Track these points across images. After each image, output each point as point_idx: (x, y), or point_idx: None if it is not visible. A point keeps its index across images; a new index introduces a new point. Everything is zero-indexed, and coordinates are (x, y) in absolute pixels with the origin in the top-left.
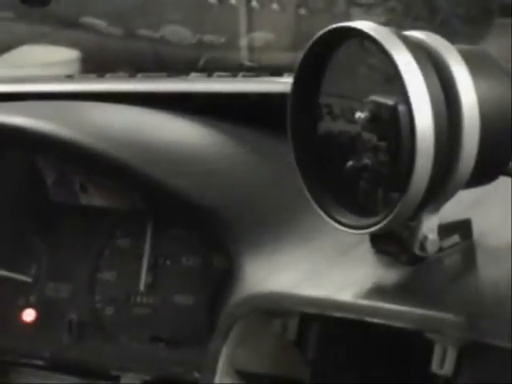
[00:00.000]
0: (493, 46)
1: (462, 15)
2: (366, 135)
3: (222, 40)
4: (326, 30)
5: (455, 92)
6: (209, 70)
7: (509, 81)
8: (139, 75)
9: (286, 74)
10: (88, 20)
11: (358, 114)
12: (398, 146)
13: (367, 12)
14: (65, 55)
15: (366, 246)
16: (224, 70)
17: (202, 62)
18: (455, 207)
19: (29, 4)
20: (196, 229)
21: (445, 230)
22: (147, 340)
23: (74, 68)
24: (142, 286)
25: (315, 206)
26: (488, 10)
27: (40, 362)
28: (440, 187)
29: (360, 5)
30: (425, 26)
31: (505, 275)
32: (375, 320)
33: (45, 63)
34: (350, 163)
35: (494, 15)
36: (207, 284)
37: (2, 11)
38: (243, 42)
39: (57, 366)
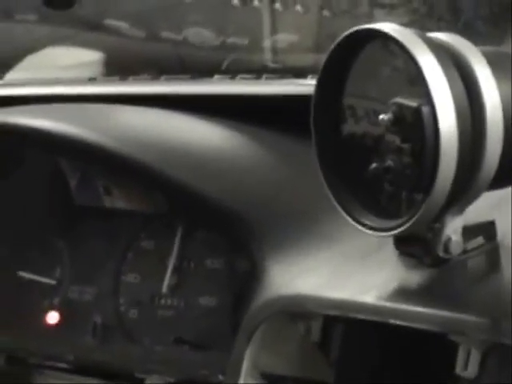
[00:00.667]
0: None
1: (485, 16)
2: (390, 137)
3: (246, 42)
4: (349, 31)
5: (478, 94)
6: (232, 72)
7: None
8: (162, 77)
9: (309, 76)
10: (111, 22)
11: (382, 116)
12: (421, 148)
13: (390, 13)
14: (88, 57)
15: (390, 248)
16: (247, 72)
17: (225, 64)
18: (479, 209)
19: (52, 7)
20: (220, 231)
21: (469, 231)
22: (171, 342)
23: (98, 70)
24: (165, 288)
25: (339, 209)
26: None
27: (64, 365)
28: (464, 189)
29: (383, 6)
30: (448, 27)
31: None
32: (399, 322)
33: (68, 65)
34: (374, 165)
35: None
36: (231, 286)
37: (25, 14)
38: (267, 43)
39: (81, 368)
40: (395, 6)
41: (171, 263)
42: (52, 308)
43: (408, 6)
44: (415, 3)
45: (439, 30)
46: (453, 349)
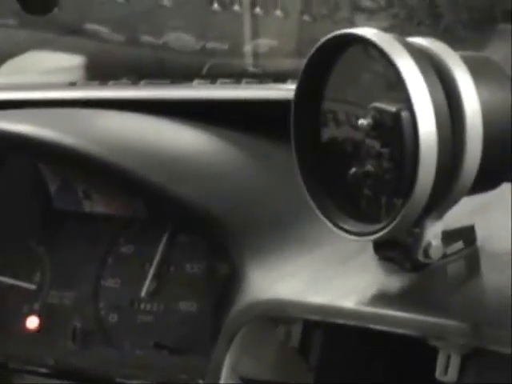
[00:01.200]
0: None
1: (465, 21)
2: (369, 142)
3: (226, 46)
4: (329, 36)
5: (458, 98)
6: (212, 77)
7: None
8: (142, 82)
9: (289, 81)
10: (91, 27)
11: (361, 121)
12: (401, 153)
13: (370, 18)
14: (68, 62)
15: (370, 253)
16: (228, 76)
17: (205, 69)
18: (459, 213)
19: (30, 12)
20: (200, 236)
21: (448, 236)
22: (151, 347)
23: (78, 75)
24: (145, 293)
25: (318, 213)
26: (491, 16)
27: (44, 370)
28: (443, 194)
29: (363, 11)
30: (428, 32)
31: (508, 282)
32: (378, 327)
33: (48, 70)
34: (353, 170)
35: (497, 21)
36: (211, 291)
37: (5, 18)
38: (247, 48)
39: (61, 373)
40: (375, 10)
41: (151, 268)
42: (32, 313)
43: (388, 11)
44: (395, 8)
45: (419, 34)
46: (433, 353)
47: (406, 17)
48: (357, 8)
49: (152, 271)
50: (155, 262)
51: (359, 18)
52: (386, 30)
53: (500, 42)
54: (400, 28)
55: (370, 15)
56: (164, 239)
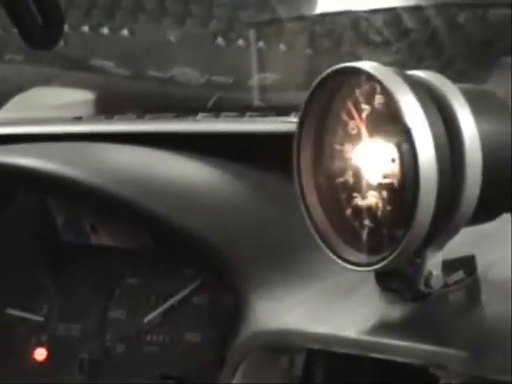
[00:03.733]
0: (497, 84)
1: (466, 55)
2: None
3: (231, 80)
4: (330, 70)
5: (457, 130)
6: (217, 110)
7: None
8: (147, 116)
9: (293, 114)
10: (97, 62)
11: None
12: (401, 185)
13: (373, 52)
14: (75, 97)
15: (372, 283)
16: (232, 110)
17: (210, 103)
18: (459, 243)
19: (34, 47)
20: (204, 267)
21: (449, 266)
22: (157, 377)
23: (84, 110)
24: (151, 324)
25: (321, 245)
26: (492, 50)
27: None
28: (444, 224)
29: (366, 45)
30: (429, 65)
31: (508, 311)
32: (380, 356)
33: (54, 105)
34: (355, 201)
35: (498, 54)
36: (216, 322)
37: (11, 54)
38: (251, 82)
39: None
40: (378, 45)
41: (157, 299)
42: (40, 345)
43: (391, 45)
44: (398, 43)
45: (421, 68)
46: (434, 382)
47: (408, 51)
48: (360, 42)
49: (156, 302)
50: (158, 294)
51: (362, 52)
52: (387, 64)
53: (501, 76)
54: (401, 62)
55: (372, 49)
56: (164, 270)
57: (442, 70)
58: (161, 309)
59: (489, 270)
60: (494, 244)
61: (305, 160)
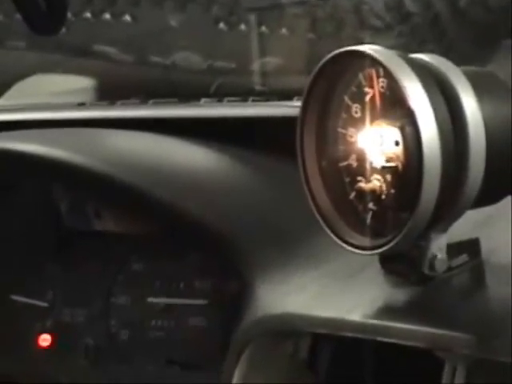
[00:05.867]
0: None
1: (468, 38)
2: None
3: (233, 65)
4: (332, 54)
5: (461, 113)
6: (219, 96)
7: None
8: (150, 102)
9: (295, 98)
10: (99, 48)
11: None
12: (405, 168)
13: (376, 36)
14: (77, 83)
15: (376, 266)
16: (235, 95)
17: (213, 88)
18: (463, 226)
19: (38, 33)
20: (208, 252)
21: (453, 249)
22: (162, 363)
23: (87, 96)
24: (155, 310)
25: (325, 228)
26: (495, 32)
27: None
28: (448, 207)
29: (368, 29)
30: (432, 49)
31: None
32: (385, 339)
33: (57, 92)
34: (359, 185)
35: (501, 37)
36: (220, 307)
37: (14, 41)
38: (254, 67)
39: None
40: (380, 28)
41: (161, 285)
42: (44, 331)
43: (393, 29)
44: (400, 26)
45: (424, 51)
46: (440, 365)
47: (411, 34)
48: (362, 26)
49: (162, 288)
50: (162, 279)
51: (364, 36)
52: (390, 47)
53: (503, 58)
54: (404, 45)
55: (374, 33)
56: (168, 256)
57: (445, 53)
58: (165, 294)
59: (493, 253)
60: (497, 227)
61: (308, 144)
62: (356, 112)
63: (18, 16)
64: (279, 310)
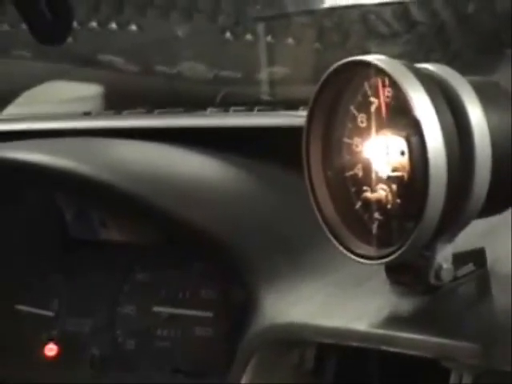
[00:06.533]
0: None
1: (474, 47)
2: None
3: (239, 75)
4: (339, 63)
5: (467, 123)
6: (225, 105)
7: None
8: (156, 111)
9: (301, 108)
10: (106, 57)
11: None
12: (410, 177)
13: (382, 45)
14: (83, 92)
15: (382, 276)
16: (240, 104)
17: (219, 98)
18: (469, 236)
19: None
20: (213, 261)
21: (459, 259)
22: (168, 372)
23: (93, 105)
24: (161, 319)
25: (331, 238)
26: (500, 41)
27: None
28: (454, 216)
29: (375, 38)
30: (438, 58)
31: None
32: (391, 349)
33: (64, 100)
34: (364, 195)
35: (506, 46)
36: (226, 316)
37: (22, 50)
38: (260, 76)
39: None
40: (386, 37)
41: (166, 294)
42: (50, 340)
43: (399, 38)
44: (406, 35)
45: (430, 60)
46: (446, 374)
47: (417, 43)
48: (368, 35)
49: (167, 297)
50: (168, 288)
51: (371, 46)
52: (396, 57)
53: (508, 67)
54: (410, 55)
55: (381, 42)
56: (173, 265)
57: (451, 61)
58: (171, 303)
59: (499, 263)
60: (503, 236)
61: (314, 154)
62: (362, 122)
63: (24, 25)
64: (285, 319)
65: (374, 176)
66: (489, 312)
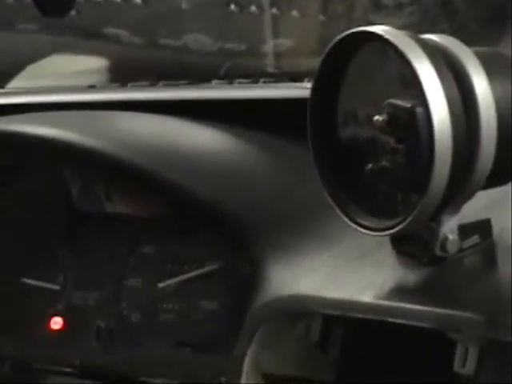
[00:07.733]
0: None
1: (478, 18)
2: (385, 138)
3: (243, 47)
4: (343, 34)
5: (472, 93)
6: (230, 78)
7: None
8: (161, 84)
9: (306, 80)
10: (110, 30)
11: (376, 117)
12: (416, 148)
13: (386, 16)
14: (87, 65)
15: (387, 248)
16: (245, 76)
17: (223, 70)
18: (475, 207)
19: (48, 15)
20: (219, 233)
21: (465, 230)
22: (173, 345)
23: (98, 78)
24: (166, 292)
25: (336, 210)
26: (505, 13)
27: (69, 369)
28: (459, 188)
29: (379, 9)
30: (443, 29)
31: None
32: (397, 320)
33: (69, 73)
34: (370, 166)
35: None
36: (232, 288)
37: (26, 23)
38: (264, 48)
39: (85, 372)
40: (390, 9)
41: (172, 267)
42: (56, 313)
43: (404, 10)
44: (410, 7)
45: (434, 32)
46: (452, 346)
47: (421, 15)
48: (372, 7)
49: (173, 270)
50: (176, 262)
51: (375, 17)
52: (400, 28)
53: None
54: (415, 26)
55: (385, 14)
56: (179, 238)
57: (456, 32)
58: (176, 277)
59: (504, 234)
60: (508, 207)
61: (319, 125)
62: (367, 93)
63: None
64: (290, 291)
65: (379, 147)
66: (494, 283)
